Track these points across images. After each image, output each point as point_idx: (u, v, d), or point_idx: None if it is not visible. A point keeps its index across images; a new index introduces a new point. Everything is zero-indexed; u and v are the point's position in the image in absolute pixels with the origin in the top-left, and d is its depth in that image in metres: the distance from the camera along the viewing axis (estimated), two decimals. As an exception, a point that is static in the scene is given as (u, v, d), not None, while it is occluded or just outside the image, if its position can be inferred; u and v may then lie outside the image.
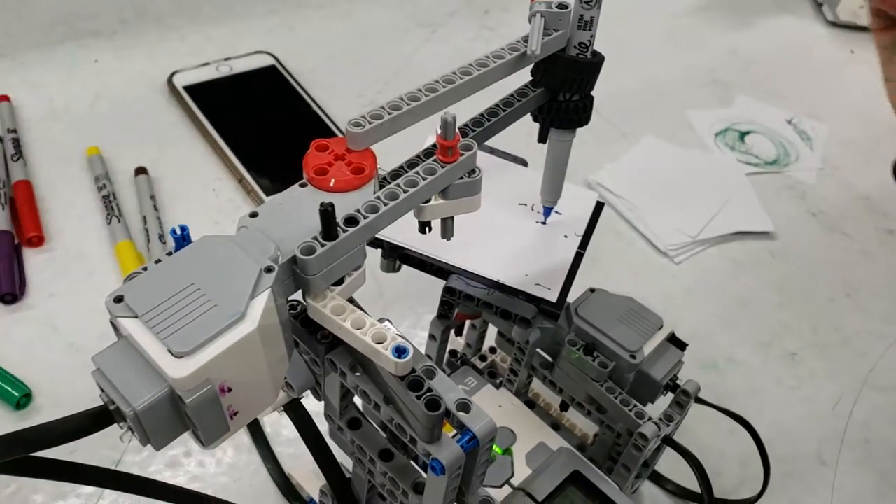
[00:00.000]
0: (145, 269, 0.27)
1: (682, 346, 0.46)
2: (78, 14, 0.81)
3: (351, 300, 0.31)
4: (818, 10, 1.03)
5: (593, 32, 0.36)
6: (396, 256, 0.42)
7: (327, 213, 0.27)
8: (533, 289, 0.40)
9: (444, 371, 0.50)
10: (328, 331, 0.31)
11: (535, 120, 0.40)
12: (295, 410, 0.35)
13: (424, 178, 0.30)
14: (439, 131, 0.31)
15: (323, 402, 0.35)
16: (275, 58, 0.78)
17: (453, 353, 0.52)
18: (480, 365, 0.52)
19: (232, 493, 0.48)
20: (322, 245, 0.28)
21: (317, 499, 0.41)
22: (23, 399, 0.50)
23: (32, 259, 0.59)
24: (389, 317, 0.60)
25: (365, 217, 0.29)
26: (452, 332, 0.49)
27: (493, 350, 0.54)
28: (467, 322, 0.51)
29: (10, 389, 0.50)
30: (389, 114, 0.31)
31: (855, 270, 0.71)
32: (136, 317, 0.25)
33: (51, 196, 0.64)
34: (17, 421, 0.50)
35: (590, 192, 0.46)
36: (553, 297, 0.40)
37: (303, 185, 0.31)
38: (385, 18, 0.90)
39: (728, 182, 0.77)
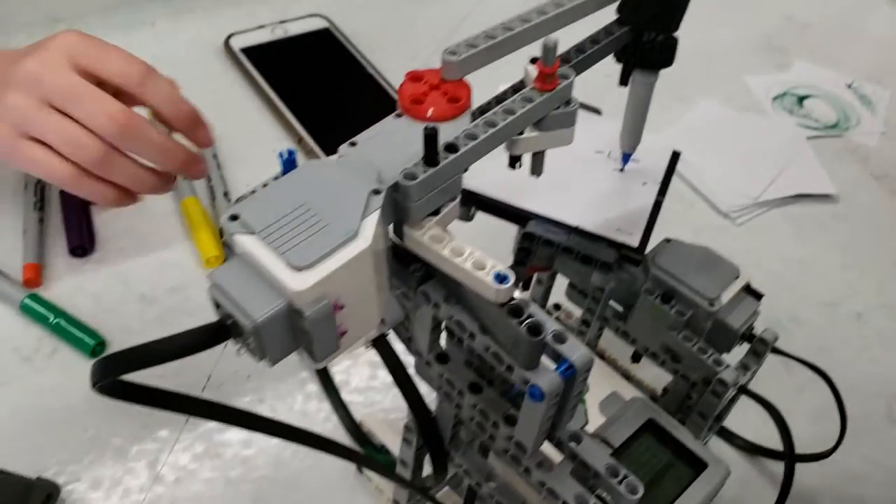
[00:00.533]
0: (253, 192, 0.27)
1: (758, 295, 0.45)
2: (134, -21, 0.82)
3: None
4: (876, -26, 1.01)
5: None
6: (472, 203, 0.42)
7: (432, 136, 0.27)
8: (614, 234, 0.40)
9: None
10: (420, 264, 0.31)
11: (619, 61, 0.40)
12: (382, 345, 0.35)
13: (523, 106, 0.30)
14: (536, 59, 0.31)
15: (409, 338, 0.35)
16: (328, 20, 0.78)
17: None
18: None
19: (303, 441, 0.49)
20: (424, 171, 0.28)
21: (400, 436, 0.42)
22: (98, 347, 0.51)
23: (100, 215, 0.60)
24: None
25: (465, 144, 0.29)
26: (520, 286, 0.49)
27: (556, 307, 0.54)
28: (534, 277, 0.51)
29: (85, 337, 0.51)
30: (485, 42, 0.31)
31: (920, 234, 0.70)
32: (254, 233, 0.25)
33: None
34: (92, 368, 0.51)
35: (665, 142, 0.46)
36: (635, 241, 0.40)
37: (398, 116, 0.31)
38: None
39: (787, 145, 0.76)
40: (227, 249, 0.27)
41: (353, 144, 0.29)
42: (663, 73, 0.83)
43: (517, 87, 0.35)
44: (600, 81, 0.39)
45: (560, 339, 0.29)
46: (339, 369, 0.52)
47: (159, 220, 0.60)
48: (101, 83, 0.49)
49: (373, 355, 0.54)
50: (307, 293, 0.24)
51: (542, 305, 0.53)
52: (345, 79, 0.73)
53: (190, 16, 0.79)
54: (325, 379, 0.51)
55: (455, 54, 0.31)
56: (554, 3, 0.33)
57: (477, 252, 0.29)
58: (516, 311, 0.28)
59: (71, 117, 0.47)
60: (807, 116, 0.80)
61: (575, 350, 0.29)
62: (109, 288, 0.55)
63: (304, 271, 0.24)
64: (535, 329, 0.28)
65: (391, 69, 0.75)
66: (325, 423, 0.50)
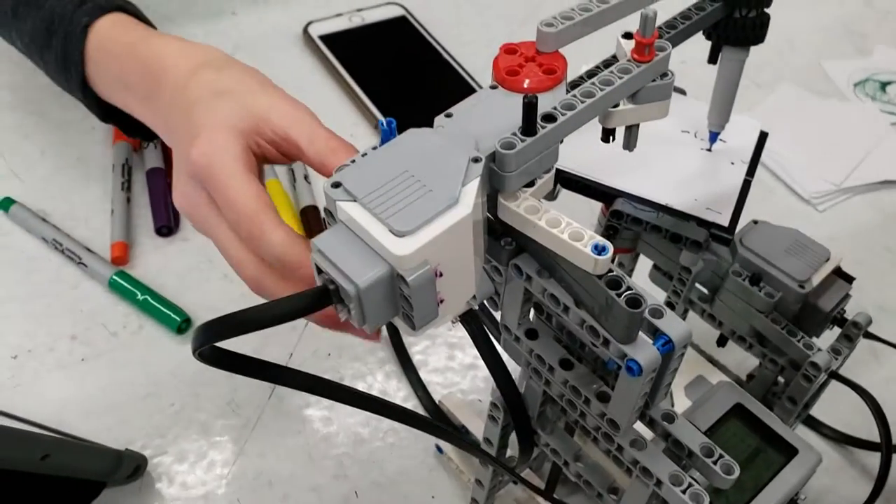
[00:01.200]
0: (353, 161, 0.28)
1: (849, 279, 0.44)
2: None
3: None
4: (964, -44, 0.97)
5: None
6: (559, 181, 0.42)
7: (531, 105, 0.27)
8: (704, 213, 0.40)
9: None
10: (511, 237, 0.31)
11: (709, 38, 0.39)
12: (471, 320, 0.35)
13: (620, 77, 0.30)
14: (629, 34, 0.31)
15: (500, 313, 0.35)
16: (405, 8, 0.79)
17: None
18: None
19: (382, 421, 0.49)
20: (522, 140, 0.28)
21: (478, 419, 0.42)
22: (183, 324, 0.52)
23: (183, 197, 0.61)
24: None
25: (563, 114, 0.29)
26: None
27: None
28: (615, 259, 0.51)
29: (171, 314, 0.52)
30: (581, 15, 0.31)
31: None
32: (355, 200, 0.25)
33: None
34: (178, 344, 0.52)
35: (752, 122, 0.45)
36: (724, 221, 0.40)
37: (493, 88, 0.31)
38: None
39: (871, 131, 0.73)
40: (329, 216, 0.27)
41: (448, 115, 0.29)
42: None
43: (608, 62, 0.35)
44: (676, 67, 0.39)
45: (657, 313, 0.29)
46: (418, 349, 0.52)
47: (240, 202, 0.61)
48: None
49: (450, 336, 0.54)
50: (410, 258, 0.24)
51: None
52: (422, 66, 0.74)
53: (269, 4, 0.80)
54: (404, 358, 0.51)
55: (551, 26, 0.30)
56: None
57: (574, 223, 0.28)
58: (615, 283, 0.28)
59: None
60: (890, 102, 0.77)
61: (673, 325, 0.29)
62: (194, 267, 0.56)
63: (407, 237, 0.24)
64: (635, 302, 0.28)
65: (466, 56, 0.75)
66: (405, 403, 0.50)
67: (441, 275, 0.26)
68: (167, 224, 0.58)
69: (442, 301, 0.27)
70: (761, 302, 0.42)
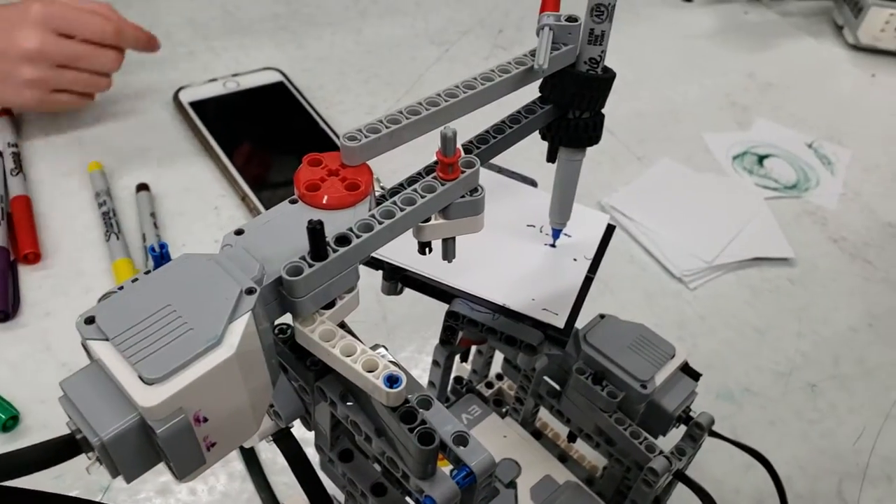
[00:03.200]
0: (121, 288, 0.25)
1: (695, 375, 0.43)
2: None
3: (343, 325, 0.29)
4: (838, 32, 1.01)
5: (604, 47, 0.34)
6: (398, 278, 0.40)
7: (315, 231, 0.26)
8: (540, 314, 0.38)
9: (447, 398, 0.48)
10: (317, 357, 0.29)
11: (544, 138, 0.38)
12: (284, 440, 0.33)
13: (423, 196, 0.29)
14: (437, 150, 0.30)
15: (313, 432, 0.33)
16: (283, 74, 0.77)
17: (459, 379, 0.50)
18: (487, 392, 0.50)
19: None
20: (310, 266, 0.26)
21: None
22: (9, 421, 0.48)
23: (28, 276, 0.58)
24: (393, 341, 0.58)
25: (358, 236, 0.27)
26: (458, 357, 0.47)
27: (500, 377, 0.52)
28: (473, 347, 0.49)
29: (-3, 410, 0.48)
30: (387, 127, 0.30)
31: (878, 299, 0.68)
32: (107, 339, 0.23)
33: (50, 212, 0.62)
34: (3, 443, 0.48)
35: (601, 215, 0.44)
36: (560, 322, 0.38)
37: (293, 202, 0.29)
38: (397, 36, 0.89)
39: (746, 206, 0.75)
40: (87, 354, 0.25)
41: (239, 233, 0.27)
42: (621, 131, 0.83)
43: (430, 168, 0.34)
44: (541, 146, 0.38)
45: (462, 440, 0.27)
46: (266, 447, 0.50)
47: (90, 281, 0.58)
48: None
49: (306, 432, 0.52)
50: (158, 409, 0.22)
51: (484, 376, 0.51)
52: (296, 134, 0.72)
53: (141, 66, 0.77)
54: (249, 458, 0.49)
55: (355, 140, 0.29)
56: (465, 85, 0.32)
57: (369, 351, 0.27)
58: (409, 415, 0.27)
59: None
60: (766, 176, 0.79)
61: (476, 454, 0.27)
62: (30, 355, 0.53)
63: (157, 385, 0.22)
64: (428, 437, 0.26)
65: (346, 125, 0.74)
66: (247, 504, 0.47)
67: (205, 420, 0.24)
68: (4, 310, 0.54)
69: (212, 445, 0.25)
70: (604, 401, 0.41)
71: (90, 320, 0.24)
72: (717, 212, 0.73)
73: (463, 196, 0.30)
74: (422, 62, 0.85)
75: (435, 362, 0.45)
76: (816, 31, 1.02)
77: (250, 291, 0.25)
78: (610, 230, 0.44)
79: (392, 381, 0.26)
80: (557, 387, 0.45)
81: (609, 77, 0.35)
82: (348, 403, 0.29)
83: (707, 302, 0.65)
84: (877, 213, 0.77)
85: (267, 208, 0.62)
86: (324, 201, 0.29)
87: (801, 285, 0.68)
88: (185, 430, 0.23)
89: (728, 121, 0.86)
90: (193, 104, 0.72)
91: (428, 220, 0.30)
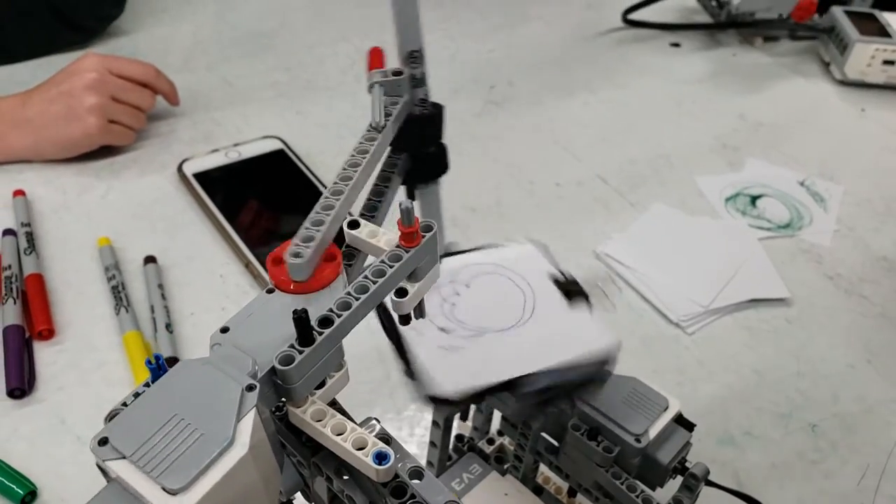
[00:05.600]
0: (124, 404, 0.27)
1: (689, 426, 0.44)
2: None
3: (333, 402, 0.30)
4: (826, 70, 1.03)
5: (426, 88, 0.37)
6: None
7: (302, 319, 0.27)
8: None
9: (449, 457, 0.49)
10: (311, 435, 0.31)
11: (403, 183, 0.41)
12: (286, 514, 0.34)
13: (391, 266, 0.30)
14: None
15: (314, 504, 0.35)
16: (283, 141, 0.80)
17: (460, 437, 0.51)
18: (488, 449, 0.51)
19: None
20: (300, 352, 0.27)
21: None
22: (28, 496, 0.50)
23: (43, 352, 0.60)
24: (397, 400, 0.59)
25: (339, 316, 0.29)
26: (458, 415, 0.48)
27: (500, 433, 0.53)
28: (472, 407, 0.51)
29: (14, 487, 0.50)
30: (318, 230, 0.32)
31: (876, 335, 0.69)
32: (124, 458, 0.24)
33: (62, 288, 0.65)
34: (21, 520, 0.50)
35: (524, 247, 0.46)
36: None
37: (270, 292, 0.31)
38: (393, 97, 0.91)
39: (740, 248, 0.76)
40: (104, 474, 0.26)
41: (225, 331, 0.29)
42: (614, 178, 0.84)
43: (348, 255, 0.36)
44: None
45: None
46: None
47: (102, 355, 0.60)
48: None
49: None
50: (187, 516, 0.23)
51: (485, 432, 0.52)
52: (297, 201, 0.74)
53: (145, 140, 0.80)
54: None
55: (300, 256, 0.31)
56: (350, 163, 0.35)
57: (359, 429, 0.28)
58: (399, 491, 0.28)
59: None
60: (759, 217, 0.80)
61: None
62: (46, 430, 0.54)
63: (181, 494, 0.23)
64: (418, 513, 0.27)
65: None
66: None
67: (227, 512, 0.25)
68: (20, 386, 0.56)
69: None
70: (600, 456, 0.42)
71: (103, 441, 0.25)
72: (711, 255, 0.75)
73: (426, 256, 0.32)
74: (418, 121, 0.87)
75: (435, 423, 0.46)
76: (804, 69, 1.04)
77: (251, 388, 0.26)
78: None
79: (381, 458, 0.27)
80: (555, 443, 0.46)
81: (437, 112, 0.38)
82: (344, 478, 0.31)
83: (705, 346, 0.66)
84: (871, 247, 0.78)
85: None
86: (300, 286, 0.30)
87: (799, 324, 0.69)
88: (213, 531, 0.24)
89: (720, 163, 0.88)
90: (197, 175, 0.74)
91: (403, 293, 0.32)
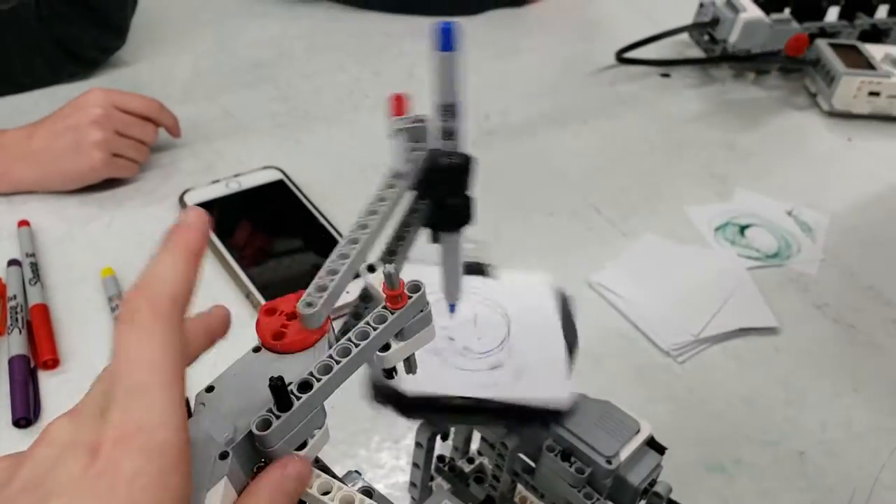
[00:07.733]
0: None
1: (661, 449, 0.46)
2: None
3: (316, 460, 0.31)
4: (813, 100, 1.05)
5: (457, 141, 0.37)
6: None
7: (277, 388, 0.28)
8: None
9: (431, 477, 0.50)
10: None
11: (426, 226, 0.41)
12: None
13: (375, 328, 0.31)
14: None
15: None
16: (282, 172, 0.81)
17: (441, 457, 0.53)
18: (468, 468, 0.53)
19: None
20: (277, 417, 0.28)
21: None
22: (32, 525, 0.51)
23: (47, 381, 0.61)
24: (379, 426, 0.60)
25: (318, 380, 0.30)
26: (439, 437, 0.50)
27: (480, 453, 0.55)
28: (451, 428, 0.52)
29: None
30: (331, 279, 0.32)
31: (862, 363, 0.71)
32: None
33: (66, 318, 0.66)
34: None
35: (537, 278, 0.48)
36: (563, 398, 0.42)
37: (256, 350, 0.32)
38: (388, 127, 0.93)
39: (729, 278, 0.78)
40: None
41: (210, 390, 0.30)
42: (607, 208, 0.86)
43: (364, 296, 0.37)
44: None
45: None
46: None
47: (105, 384, 0.61)
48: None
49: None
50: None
51: (465, 451, 0.54)
52: (297, 230, 0.76)
53: (147, 171, 0.82)
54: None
55: (312, 305, 0.31)
56: (368, 210, 0.35)
57: (346, 487, 0.29)
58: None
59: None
60: (748, 247, 0.82)
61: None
62: (50, 459, 0.55)
63: None
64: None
65: (345, 218, 0.77)
66: None
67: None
68: (26, 416, 0.57)
69: None
70: (572, 477, 0.44)
71: None
72: (701, 284, 0.76)
73: (415, 316, 0.32)
74: (414, 151, 0.89)
75: (418, 444, 0.48)
76: (793, 101, 1.06)
77: (223, 456, 0.27)
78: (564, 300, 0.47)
79: None
80: (532, 463, 0.47)
81: (464, 163, 0.37)
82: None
83: (695, 375, 0.68)
84: (857, 276, 0.80)
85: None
86: (285, 346, 0.32)
87: (787, 353, 0.71)
88: None
89: (709, 193, 0.89)
90: (198, 205, 0.75)
91: (388, 347, 0.33)
